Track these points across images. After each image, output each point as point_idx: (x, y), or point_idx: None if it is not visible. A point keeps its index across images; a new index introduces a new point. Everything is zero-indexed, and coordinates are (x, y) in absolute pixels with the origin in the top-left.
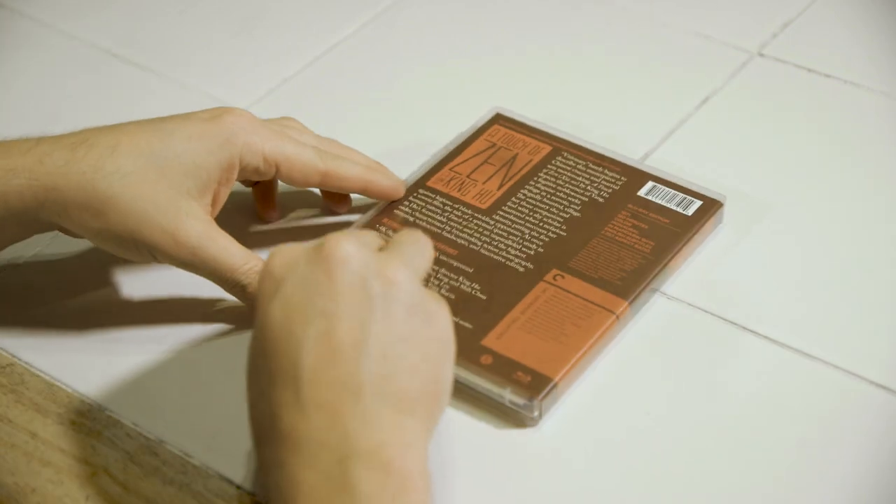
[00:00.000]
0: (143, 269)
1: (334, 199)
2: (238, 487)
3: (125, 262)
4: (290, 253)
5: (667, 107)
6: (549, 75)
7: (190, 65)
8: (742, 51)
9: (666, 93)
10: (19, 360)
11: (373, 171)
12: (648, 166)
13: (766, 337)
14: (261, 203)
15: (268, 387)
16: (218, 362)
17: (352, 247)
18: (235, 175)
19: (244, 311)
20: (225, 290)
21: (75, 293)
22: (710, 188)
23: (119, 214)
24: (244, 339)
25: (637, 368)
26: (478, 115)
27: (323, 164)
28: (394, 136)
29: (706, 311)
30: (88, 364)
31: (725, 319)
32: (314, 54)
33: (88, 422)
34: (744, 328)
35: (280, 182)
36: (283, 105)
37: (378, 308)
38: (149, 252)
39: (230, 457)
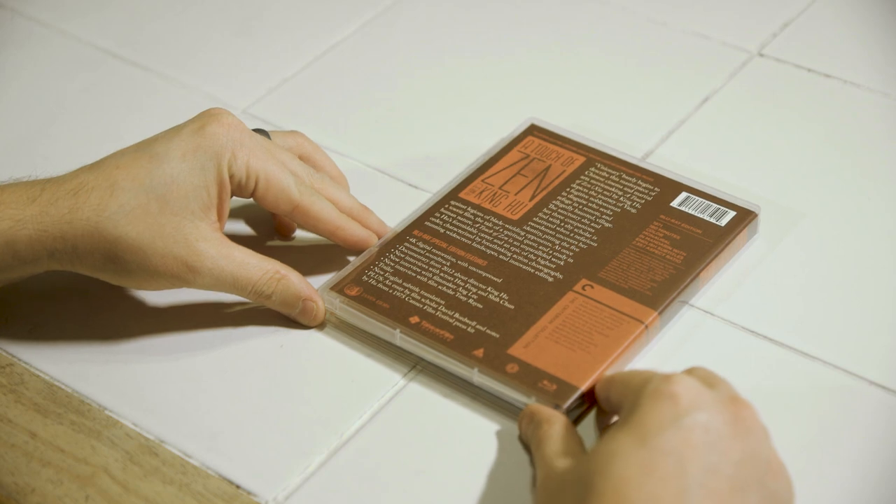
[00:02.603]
0: None
1: (281, 224)
2: (238, 487)
3: None
4: (697, 389)
5: (667, 107)
6: (549, 75)
7: (190, 65)
8: (742, 51)
9: (666, 93)
10: (19, 360)
11: (345, 220)
12: (683, 177)
13: (765, 337)
14: (278, 218)
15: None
16: (218, 363)
17: (763, 426)
18: (230, 186)
19: (244, 312)
20: (248, 300)
21: (75, 293)
22: (741, 196)
23: (129, 252)
24: (244, 339)
25: None
26: (478, 115)
27: (297, 196)
28: (393, 136)
29: (710, 313)
30: (88, 364)
31: (725, 319)
32: (314, 54)
33: (88, 422)
34: (742, 328)
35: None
36: (283, 105)
37: (754, 493)
38: (167, 282)
39: (230, 457)
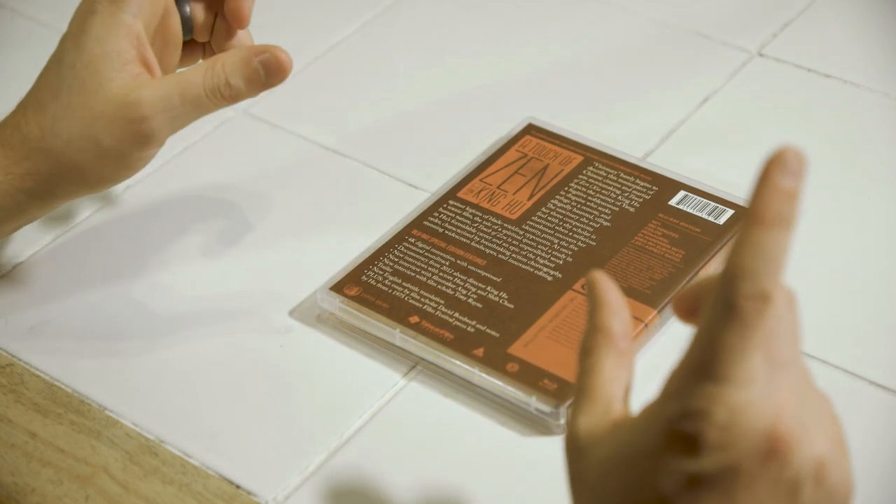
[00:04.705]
0: (144, 268)
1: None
2: (238, 487)
3: (125, 262)
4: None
5: (667, 107)
6: (549, 75)
7: None
8: (742, 51)
9: (666, 93)
10: (19, 360)
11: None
12: (681, 175)
13: None
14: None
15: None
16: (218, 363)
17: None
18: (146, 37)
19: (244, 311)
20: (214, 108)
21: (76, 293)
22: (739, 195)
23: (83, 152)
24: (244, 339)
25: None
26: (478, 115)
27: None
28: (394, 136)
29: None
30: (88, 364)
31: None
32: (314, 54)
33: (88, 422)
34: None
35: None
36: (283, 105)
37: None
38: (135, 153)
39: (230, 457)
